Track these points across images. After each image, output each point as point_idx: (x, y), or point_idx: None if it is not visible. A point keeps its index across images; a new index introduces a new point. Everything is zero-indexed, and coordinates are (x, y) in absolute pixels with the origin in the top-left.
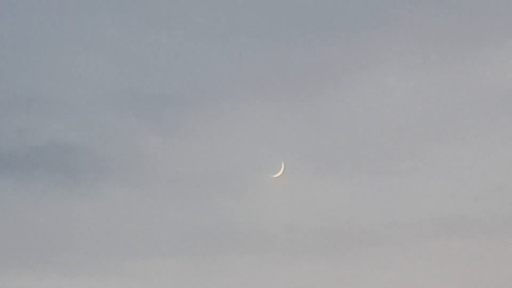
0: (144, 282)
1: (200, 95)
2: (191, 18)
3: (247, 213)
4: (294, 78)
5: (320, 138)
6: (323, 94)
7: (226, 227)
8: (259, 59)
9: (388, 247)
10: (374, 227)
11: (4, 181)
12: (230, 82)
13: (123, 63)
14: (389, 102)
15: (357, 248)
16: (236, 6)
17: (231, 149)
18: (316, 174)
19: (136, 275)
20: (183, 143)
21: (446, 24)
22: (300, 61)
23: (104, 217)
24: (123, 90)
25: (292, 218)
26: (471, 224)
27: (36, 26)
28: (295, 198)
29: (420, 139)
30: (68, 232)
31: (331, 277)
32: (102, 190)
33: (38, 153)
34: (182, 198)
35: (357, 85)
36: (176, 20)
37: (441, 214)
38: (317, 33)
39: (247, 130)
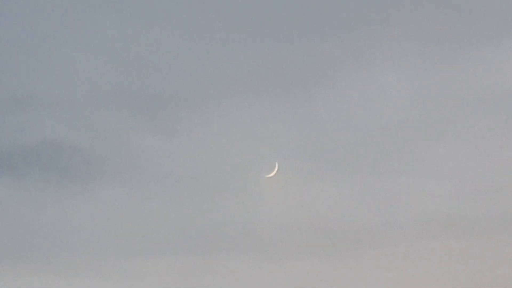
0: (138, 281)
1: (195, 95)
2: (187, 18)
3: (241, 213)
4: (289, 78)
5: (315, 137)
6: (318, 93)
7: (221, 226)
8: (254, 59)
9: (383, 247)
10: (369, 227)
11: None
12: (225, 82)
13: (118, 63)
14: (385, 102)
15: (352, 248)
16: (232, 6)
17: (225, 148)
18: (310, 173)
19: (130, 274)
20: (178, 142)
21: (443, 24)
22: (295, 61)
23: (98, 216)
24: (118, 89)
25: (287, 218)
26: (468, 224)
27: (31, 25)
28: (289, 197)
29: (417, 139)
30: (62, 231)
31: (325, 276)
32: (97, 189)
33: (32, 152)
34: (177, 197)
35: (353, 84)
36: (172, 20)
37: (438, 214)
38: (312, 32)
39: (241, 129)
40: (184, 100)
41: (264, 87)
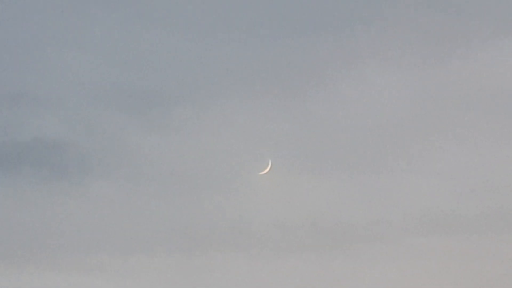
0: (131, 279)
1: (187, 92)
2: (182, 17)
3: (234, 210)
4: (283, 76)
5: (308, 135)
6: (310, 92)
7: (213, 224)
8: (248, 58)
9: (376, 244)
10: (361, 224)
11: None
12: (218, 80)
13: (112, 60)
14: (378, 100)
15: (345, 245)
16: (226, 5)
17: (218, 146)
18: (303, 171)
19: (123, 271)
20: (170, 139)
21: (437, 22)
22: (288, 59)
23: (91, 214)
24: (110, 86)
25: (280, 215)
26: (461, 222)
27: (25, 23)
28: (282, 195)
29: (411, 137)
30: (54, 228)
31: (318, 273)
32: (89, 186)
33: (24, 149)
34: (169, 194)
35: (346, 82)
36: (166, 18)
37: (431, 211)
38: (306, 31)
39: (234, 127)
40: (178, 98)
41: (258, 85)
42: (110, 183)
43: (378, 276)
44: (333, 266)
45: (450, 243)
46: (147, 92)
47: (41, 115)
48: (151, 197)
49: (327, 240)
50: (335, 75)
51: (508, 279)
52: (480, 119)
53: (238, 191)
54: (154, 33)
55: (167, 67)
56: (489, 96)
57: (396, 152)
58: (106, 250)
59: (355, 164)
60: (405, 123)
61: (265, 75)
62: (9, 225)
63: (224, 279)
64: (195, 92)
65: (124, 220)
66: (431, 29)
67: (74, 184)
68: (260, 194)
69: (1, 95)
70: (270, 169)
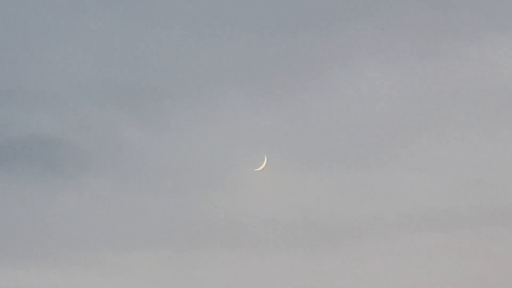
0: (126, 275)
1: (182, 88)
2: (174, 13)
3: (229, 207)
4: (277, 72)
5: (303, 131)
6: (306, 87)
7: (208, 220)
8: (242, 53)
9: (370, 241)
10: (356, 221)
11: None
12: (212, 75)
13: (105, 57)
14: (373, 96)
15: (339, 242)
16: (219, 1)
17: (213, 142)
18: (298, 167)
19: (117, 267)
20: (164, 136)
21: (431, 18)
22: (283, 55)
23: (86, 210)
24: (104, 83)
25: (275, 212)
26: (454, 218)
27: (18, 19)
28: (278, 191)
29: (405, 133)
30: (49, 225)
31: (313, 270)
32: (83, 183)
33: (19, 146)
34: (164, 191)
35: (341, 78)
36: (159, 15)
37: (424, 207)
38: (299, 26)
39: (229, 123)
40: (171, 93)
41: (253, 81)
42: (106, 179)
43: (373, 273)
44: (327, 263)
45: (444, 239)
46: (142, 89)
47: (35, 112)
48: (146, 193)
49: (322, 236)
50: (330, 71)
51: (502, 274)
52: (474, 116)
53: (233, 188)
54: (149, 30)
55: (162, 64)
56: (484, 92)
57: (391, 148)
58: (101, 247)
59: (351, 160)
60: (400, 119)
61: (260, 71)
62: (3, 222)
63: (219, 275)
64: (190, 88)
65: (119, 217)
66: (426, 25)
67: (69, 181)
68: (255, 190)
69: None
70: (265, 166)
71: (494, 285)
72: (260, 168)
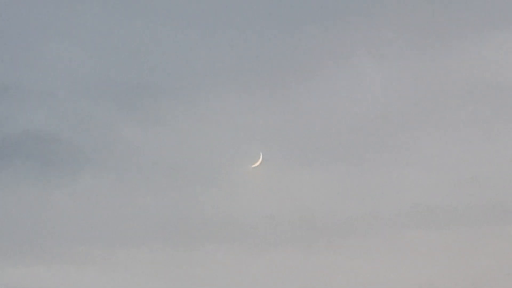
0: (121, 271)
1: (178, 85)
2: (170, 9)
3: (225, 203)
4: (273, 69)
5: (299, 128)
6: (301, 84)
7: (204, 216)
8: (237, 50)
9: (367, 237)
10: (352, 218)
11: None
12: (207, 71)
13: (101, 53)
14: (368, 92)
15: (335, 238)
16: None
17: (209, 138)
18: (295, 164)
19: (113, 263)
20: (160, 132)
21: (426, 14)
22: (279, 52)
23: (81, 206)
24: (101, 79)
25: (271, 208)
26: (451, 215)
27: (13, 15)
28: (273, 188)
29: (401, 130)
30: (43, 221)
31: (309, 266)
32: (79, 179)
33: (14, 142)
34: (160, 188)
35: (335, 75)
36: (153, 10)
37: (421, 204)
38: (295, 23)
39: (225, 120)
40: (167, 90)
41: (249, 78)
42: (101, 176)
43: (369, 269)
44: (323, 259)
45: (440, 236)
46: (138, 85)
47: (31, 108)
48: (142, 190)
49: (318, 233)
50: (326, 68)
51: (497, 271)
52: (470, 113)
53: (229, 184)
54: (145, 27)
55: (158, 61)
56: (481, 90)
57: (387, 146)
58: (97, 243)
59: (347, 157)
60: (397, 116)
61: (256, 68)
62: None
63: (215, 271)
64: (186, 85)
65: (115, 213)
66: (422, 22)
67: (65, 178)
68: (251, 187)
69: None
70: (261, 162)
71: (490, 281)
72: (256, 164)
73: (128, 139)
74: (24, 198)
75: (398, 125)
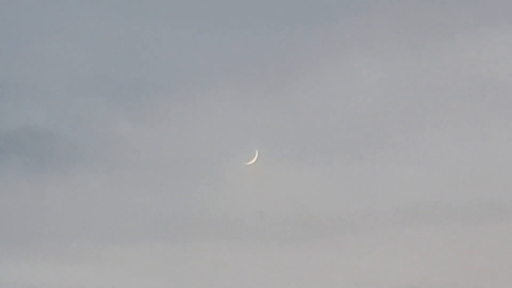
0: (117, 267)
1: (173, 82)
2: (167, 7)
3: (220, 200)
4: (269, 66)
5: (295, 125)
6: (297, 81)
7: (200, 213)
8: (234, 47)
9: (363, 234)
10: (348, 215)
11: None
12: (203, 69)
13: (96, 49)
14: (364, 89)
15: (331, 235)
16: None
17: (204, 135)
18: (290, 161)
19: (108, 260)
20: (156, 129)
21: (422, 13)
22: (274, 49)
23: (77, 203)
24: (95, 76)
25: (266, 205)
26: (448, 212)
27: (10, 13)
28: (269, 185)
29: (397, 127)
30: (39, 218)
31: (304, 264)
32: (75, 176)
33: (10, 138)
34: (156, 184)
35: (332, 72)
36: (150, 8)
37: (418, 201)
38: (290, 20)
39: (220, 117)
40: (163, 87)
41: (244, 75)
42: (97, 172)
43: (365, 267)
44: (319, 256)
45: (437, 233)
46: (134, 82)
47: (27, 105)
48: (138, 186)
49: (313, 230)
50: (321, 65)
51: (495, 268)
52: (468, 110)
53: (224, 182)
54: (141, 24)
55: (154, 58)
56: (478, 87)
57: (383, 142)
58: (93, 240)
59: (342, 154)
60: (393, 113)
61: (252, 65)
62: None
63: (210, 269)
64: (181, 82)
65: (111, 209)
66: (418, 19)
67: (60, 174)
68: (246, 184)
69: None
70: (256, 160)
71: (488, 278)
72: (252, 162)
73: (125, 136)
74: (20, 194)
75: (394, 122)
